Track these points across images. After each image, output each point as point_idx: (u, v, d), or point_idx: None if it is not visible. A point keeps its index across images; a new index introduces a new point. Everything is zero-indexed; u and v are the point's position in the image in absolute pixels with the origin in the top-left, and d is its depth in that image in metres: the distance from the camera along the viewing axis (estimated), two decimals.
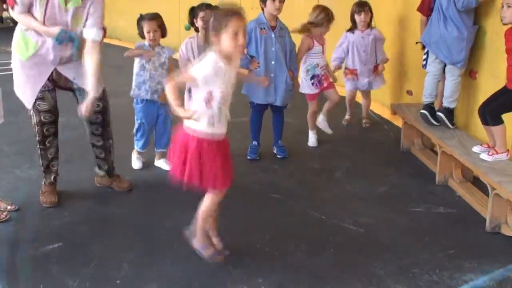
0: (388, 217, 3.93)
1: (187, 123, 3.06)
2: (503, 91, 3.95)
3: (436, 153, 4.68)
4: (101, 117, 4.04)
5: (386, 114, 6.18)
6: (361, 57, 5.66)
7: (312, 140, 5.38)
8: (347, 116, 6.06)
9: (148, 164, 4.78)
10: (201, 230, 3.27)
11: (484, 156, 4.05)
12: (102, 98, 3.99)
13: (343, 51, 5.70)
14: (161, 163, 4.72)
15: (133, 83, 4.48)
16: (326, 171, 4.72)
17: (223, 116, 3.09)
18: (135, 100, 4.53)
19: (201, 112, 2.99)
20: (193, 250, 3.35)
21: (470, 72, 4.65)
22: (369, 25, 5.65)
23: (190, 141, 3.04)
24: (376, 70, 5.74)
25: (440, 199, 4.20)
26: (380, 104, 6.39)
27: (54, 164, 4.05)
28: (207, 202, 3.20)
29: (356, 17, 5.60)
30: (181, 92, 4.42)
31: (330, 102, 5.35)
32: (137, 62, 4.46)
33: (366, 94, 5.99)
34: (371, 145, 5.45)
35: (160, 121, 4.58)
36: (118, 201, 4.11)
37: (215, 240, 3.38)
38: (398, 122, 5.64)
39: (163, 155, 4.69)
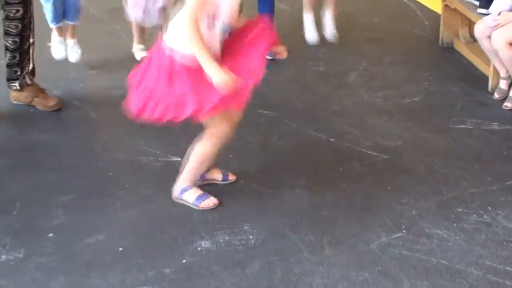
0: (421, 137, 3.97)
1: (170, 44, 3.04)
2: None
3: None
4: (22, 10, 4.06)
5: None
6: None
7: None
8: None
9: (82, 72, 4.79)
10: (194, 175, 3.31)
11: None
12: None
13: None
14: (72, 45, 4.93)
15: None
16: (334, 76, 4.73)
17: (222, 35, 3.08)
18: None
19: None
20: (153, 190, 3.40)
21: None
22: None
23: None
24: None
25: (494, 112, 4.24)
26: None
27: None
28: (208, 143, 3.22)
29: None
30: None
31: None
32: None
33: None
34: (398, 38, 5.45)
35: None
36: (43, 124, 4.12)
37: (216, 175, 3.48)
38: (437, 6, 5.61)
39: (72, 30, 4.94)
